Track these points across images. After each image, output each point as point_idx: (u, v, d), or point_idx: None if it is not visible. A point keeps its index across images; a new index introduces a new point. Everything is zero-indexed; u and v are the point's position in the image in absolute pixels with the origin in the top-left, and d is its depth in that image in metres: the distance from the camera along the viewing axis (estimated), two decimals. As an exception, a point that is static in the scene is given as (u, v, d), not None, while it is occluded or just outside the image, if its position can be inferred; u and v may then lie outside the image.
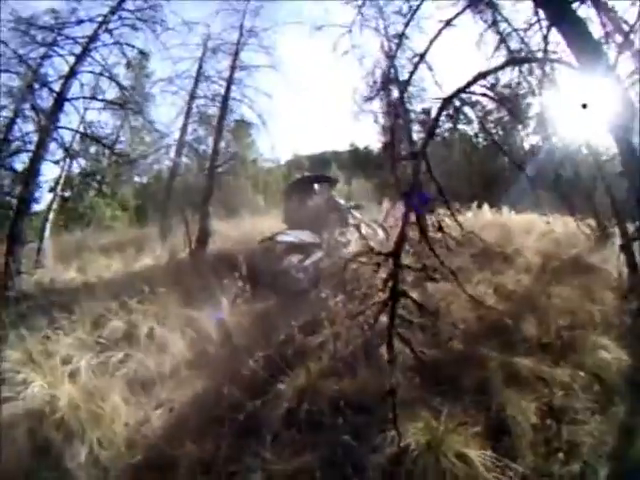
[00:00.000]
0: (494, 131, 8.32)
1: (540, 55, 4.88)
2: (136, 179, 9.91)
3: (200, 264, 7.38)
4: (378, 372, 4.71)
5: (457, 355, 5.06)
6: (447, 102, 3.30)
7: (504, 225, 8.68)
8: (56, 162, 7.66)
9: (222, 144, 8.60)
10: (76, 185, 8.91)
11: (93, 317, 5.57)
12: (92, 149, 8.74)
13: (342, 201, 8.25)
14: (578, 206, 7.53)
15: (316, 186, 8.00)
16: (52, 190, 8.49)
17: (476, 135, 9.74)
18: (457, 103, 4.10)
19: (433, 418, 4.06)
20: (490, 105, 9.18)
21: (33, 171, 7.26)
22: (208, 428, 4.31)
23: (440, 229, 4.10)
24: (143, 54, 8.01)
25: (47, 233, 8.04)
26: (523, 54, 6.30)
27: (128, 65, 8.31)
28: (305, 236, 7.39)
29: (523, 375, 4.76)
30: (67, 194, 9.04)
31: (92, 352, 4.92)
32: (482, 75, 3.19)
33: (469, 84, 3.16)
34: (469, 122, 9.90)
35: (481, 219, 9.13)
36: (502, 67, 4.10)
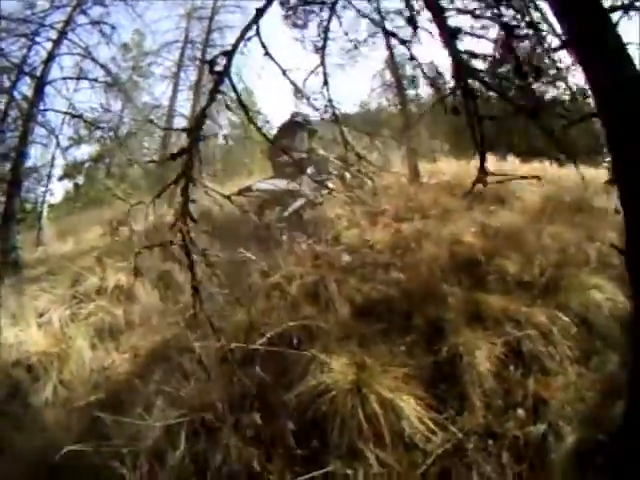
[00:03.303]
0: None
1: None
2: (146, 158, 10.37)
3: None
4: (323, 311, 4.55)
5: (415, 291, 4.51)
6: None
7: (508, 172, 7.80)
8: (44, 145, 8.28)
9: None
10: (83, 170, 9.55)
11: (72, 276, 5.86)
12: (98, 133, 9.32)
13: (322, 151, 7.89)
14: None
15: (299, 135, 7.73)
16: (62, 179, 9.34)
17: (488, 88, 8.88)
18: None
19: (368, 356, 3.62)
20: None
21: (19, 154, 7.73)
22: (163, 369, 4.30)
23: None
24: (113, 28, 8.21)
25: (45, 214, 8.85)
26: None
27: (125, 46, 8.79)
28: (283, 184, 7.15)
29: (491, 315, 4.14)
30: (79, 181, 9.85)
31: (66, 305, 5.21)
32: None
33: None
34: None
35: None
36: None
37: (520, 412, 3.38)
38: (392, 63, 7.31)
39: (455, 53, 2.68)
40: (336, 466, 2.97)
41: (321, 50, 4.08)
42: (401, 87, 8.02)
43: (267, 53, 2.48)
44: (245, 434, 3.26)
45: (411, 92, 9.05)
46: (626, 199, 2.40)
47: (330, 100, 3.90)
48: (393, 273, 5.08)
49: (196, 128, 2.21)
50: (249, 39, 2.54)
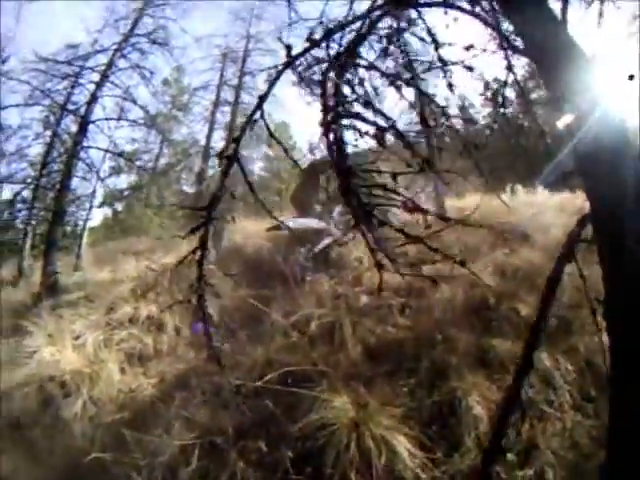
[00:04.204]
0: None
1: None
2: (185, 188, 11.49)
3: (216, 257, 8.20)
4: (337, 351, 5.09)
5: (425, 335, 5.01)
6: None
7: (536, 205, 8.04)
8: (85, 179, 9.56)
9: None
10: (123, 198, 10.73)
11: (108, 304, 6.71)
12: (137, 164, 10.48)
13: None
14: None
15: (321, 177, 8.40)
16: (101, 205, 10.60)
17: (517, 116, 9.31)
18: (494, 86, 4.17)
19: (371, 396, 4.12)
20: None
21: (63, 187, 8.95)
22: (184, 395, 4.93)
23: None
24: (152, 73, 9.44)
25: (84, 241, 10.01)
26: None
27: (165, 81, 10.08)
28: (312, 223, 7.72)
29: (497, 359, 4.57)
30: (118, 208, 11.11)
31: (100, 330, 5.98)
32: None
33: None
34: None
35: (515, 200, 8.61)
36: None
37: (510, 456, 3.67)
38: (419, 101, 7.82)
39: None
40: (327, 493, 3.45)
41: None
42: (426, 123, 8.53)
43: (271, 135, 2.94)
44: (250, 458, 3.87)
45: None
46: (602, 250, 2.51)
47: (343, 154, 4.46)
48: (407, 316, 5.60)
49: (210, 207, 2.74)
50: (255, 122, 2.99)
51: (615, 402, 2.38)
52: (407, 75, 2.88)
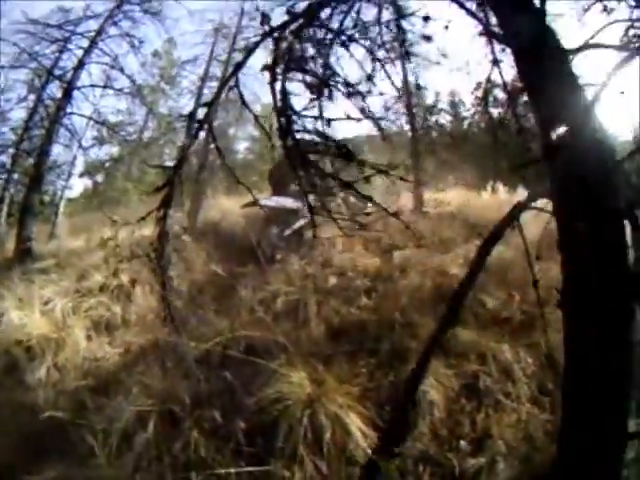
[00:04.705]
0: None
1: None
2: (167, 163, 11.35)
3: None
4: (300, 328, 5.22)
5: (388, 319, 5.12)
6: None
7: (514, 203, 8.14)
8: (67, 146, 9.52)
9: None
10: (104, 169, 10.69)
11: (79, 272, 6.80)
12: (121, 134, 10.42)
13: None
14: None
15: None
16: (82, 175, 10.57)
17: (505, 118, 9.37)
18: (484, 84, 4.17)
19: (330, 374, 4.20)
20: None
21: (42, 152, 8.88)
22: (146, 364, 5.02)
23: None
24: (141, 42, 9.38)
25: (61, 209, 10.01)
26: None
27: (155, 53, 10.04)
28: (288, 202, 7.71)
29: (457, 348, 4.62)
30: (99, 179, 11.09)
31: (69, 297, 6.05)
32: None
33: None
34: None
35: (494, 198, 8.82)
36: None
37: (463, 444, 3.84)
38: (406, 90, 7.91)
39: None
40: (276, 466, 3.58)
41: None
42: (412, 115, 8.60)
43: (244, 102, 2.96)
44: (204, 428, 3.92)
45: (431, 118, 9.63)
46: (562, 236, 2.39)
47: (325, 135, 4.49)
48: (373, 299, 5.72)
49: (178, 166, 2.79)
50: (230, 89, 2.98)
51: (567, 392, 2.46)
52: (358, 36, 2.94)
